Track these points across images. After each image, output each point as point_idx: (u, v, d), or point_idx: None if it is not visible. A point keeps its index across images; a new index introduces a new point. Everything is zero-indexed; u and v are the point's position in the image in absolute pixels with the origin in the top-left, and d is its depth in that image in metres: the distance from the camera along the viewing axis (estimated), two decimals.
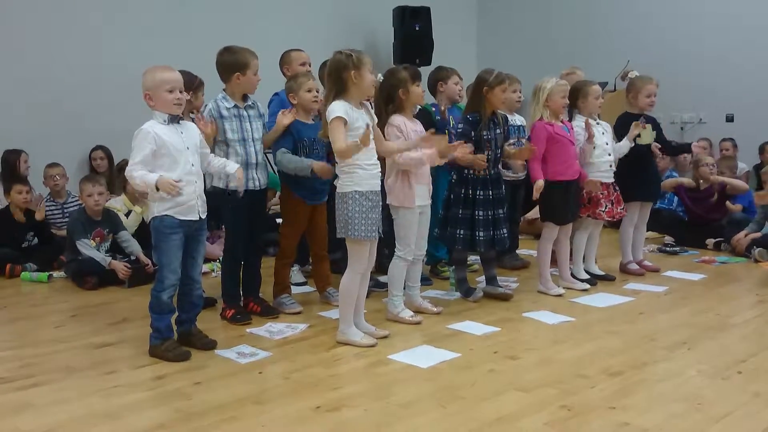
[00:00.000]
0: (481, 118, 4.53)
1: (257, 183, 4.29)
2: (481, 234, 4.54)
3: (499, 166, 4.75)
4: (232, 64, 4.18)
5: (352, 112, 3.69)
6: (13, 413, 2.98)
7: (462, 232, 4.57)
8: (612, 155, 5.20)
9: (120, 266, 5.30)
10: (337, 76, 3.72)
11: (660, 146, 5.45)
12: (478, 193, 4.55)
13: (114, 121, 6.77)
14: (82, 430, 2.81)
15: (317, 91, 4.41)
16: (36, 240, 6.01)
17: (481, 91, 4.53)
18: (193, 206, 3.63)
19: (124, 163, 6.42)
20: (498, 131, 4.60)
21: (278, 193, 6.04)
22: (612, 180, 5.22)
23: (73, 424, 2.87)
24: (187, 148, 3.61)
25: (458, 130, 4.56)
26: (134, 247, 5.61)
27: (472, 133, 4.50)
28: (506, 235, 4.67)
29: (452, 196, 4.63)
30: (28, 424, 2.86)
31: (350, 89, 3.71)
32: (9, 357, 3.72)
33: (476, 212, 4.54)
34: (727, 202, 6.70)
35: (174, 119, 3.60)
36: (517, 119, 5.62)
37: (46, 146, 6.61)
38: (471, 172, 4.56)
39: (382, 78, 4.38)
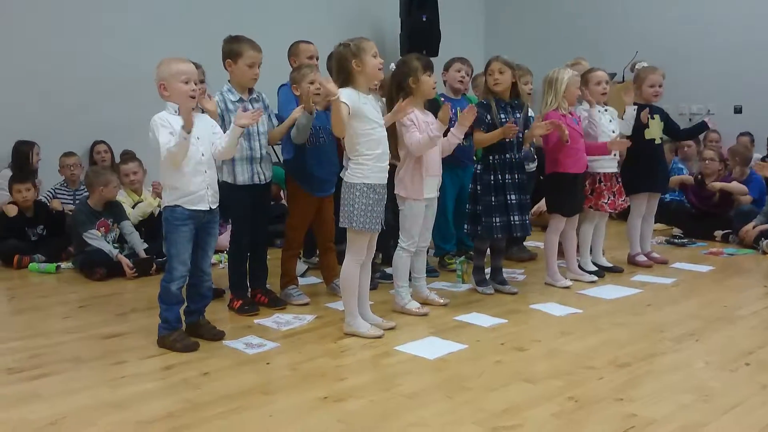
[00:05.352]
0: (490, 102, 4.53)
1: (262, 177, 4.29)
2: (516, 218, 4.51)
3: (522, 153, 4.71)
4: (227, 51, 4.16)
5: (359, 99, 3.68)
6: (22, 403, 2.99)
7: (498, 219, 4.52)
8: None
9: (125, 264, 5.34)
10: (341, 68, 3.73)
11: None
12: (507, 177, 4.52)
13: (115, 116, 6.83)
14: (91, 420, 2.82)
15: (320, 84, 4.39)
16: (45, 232, 6.04)
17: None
18: (202, 196, 3.64)
19: (126, 156, 6.50)
20: (518, 115, 4.58)
21: (282, 191, 6.08)
22: (615, 170, 5.20)
23: (82, 414, 2.88)
24: (198, 138, 3.61)
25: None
26: (135, 241, 5.63)
27: (487, 117, 4.50)
28: (528, 221, 4.64)
29: (479, 187, 4.58)
30: (36, 414, 2.88)
31: (356, 78, 3.71)
32: (17, 348, 3.74)
33: (509, 196, 4.51)
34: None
35: None
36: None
37: (46, 140, 6.66)
38: (496, 157, 4.54)
39: (394, 67, 4.36)
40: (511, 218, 4.51)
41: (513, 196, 4.52)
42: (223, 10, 7.70)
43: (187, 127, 3.43)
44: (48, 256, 5.80)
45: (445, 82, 5.55)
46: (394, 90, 4.17)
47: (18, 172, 6.29)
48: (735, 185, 6.68)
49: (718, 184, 6.67)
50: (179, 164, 3.54)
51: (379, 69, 3.78)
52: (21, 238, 5.92)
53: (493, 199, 4.53)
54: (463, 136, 4.34)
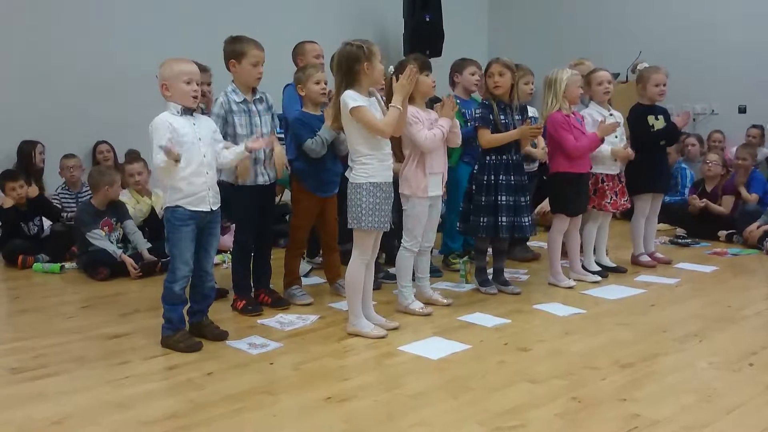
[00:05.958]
0: (491, 103, 4.54)
1: (266, 177, 4.29)
2: (504, 220, 4.50)
3: (521, 154, 4.71)
4: (230, 51, 4.16)
5: (362, 101, 3.69)
6: (26, 403, 3.00)
7: (485, 219, 4.53)
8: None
9: (129, 264, 5.34)
10: (348, 68, 3.71)
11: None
12: (501, 178, 4.52)
13: (117, 116, 6.84)
14: (95, 420, 2.82)
15: (325, 83, 4.40)
16: (42, 224, 6.07)
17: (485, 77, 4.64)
18: (204, 197, 3.64)
19: (131, 156, 6.52)
20: (518, 117, 4.59)
21: (286, 190, 6.08)
22: (617, 172, 5.20)
23: (85, 413, 2.89)
24: (199, 140, 3.62)
25: (477, 115, 4.60)
26: (139, 240, 5.63)
27: (491, 116, 4.51)
28: (528, 223, 4.60)
29: (474, 186, 4.60)
30: (40, 413, 2.88)
31: (361, 80, 3.71)
32: (22, 348, 3.75)
33: (499, 197, 4.51)
34: (743, 192, 6.66)
35: (187, 111, 3.61)
36: (528, 111, 5.58)
37: (49, 141, 6.69)
38: (493, 157, 4.54)
39: (393, 70, 4.36)
40: (499, 219, 4.51)
41: (504, 198, 4.51)
42: (225, 10, 7.71)
43: (172, 157, 3.42)
44: (52, 256, 5.81)
45: (457, 83, 5.53)
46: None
47: (10, 171, 6.28)
48: (714, 206, 6.71)
49: (702, 202, 6.74)
50: (161, 181, 3.60)
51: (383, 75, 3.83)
52: (19, 234, 5.94)
53: (483, 199, 4.54)
54: (447, 126, 4.23)
